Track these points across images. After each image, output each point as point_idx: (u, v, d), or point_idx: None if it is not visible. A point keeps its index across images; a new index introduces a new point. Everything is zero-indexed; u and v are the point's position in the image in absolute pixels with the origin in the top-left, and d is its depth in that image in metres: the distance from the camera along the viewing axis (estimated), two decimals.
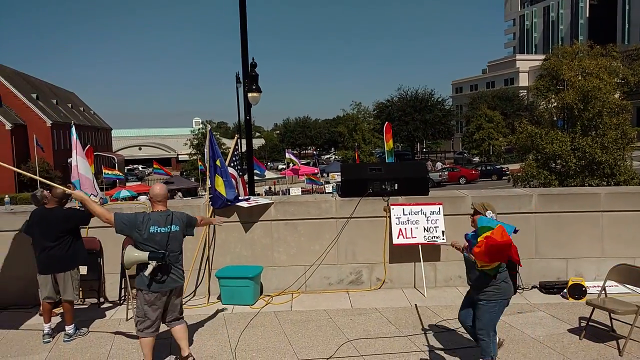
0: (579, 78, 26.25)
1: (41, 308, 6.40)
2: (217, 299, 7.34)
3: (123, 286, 7.23)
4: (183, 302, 5.47)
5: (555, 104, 28.39)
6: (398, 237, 7.46)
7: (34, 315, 6.94)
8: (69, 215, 6.08)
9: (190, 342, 5.89)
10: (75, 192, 5.89)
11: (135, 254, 4.93)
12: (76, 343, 5.99)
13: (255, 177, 14.17)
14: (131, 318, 6.46)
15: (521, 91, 72.92)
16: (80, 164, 7.84)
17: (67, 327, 6.10)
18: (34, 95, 50.47)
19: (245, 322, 6.50)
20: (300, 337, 6.02)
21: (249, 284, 7.11)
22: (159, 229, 4.94)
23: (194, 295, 7.52)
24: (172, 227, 5.02)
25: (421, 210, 7.54)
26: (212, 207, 7.54)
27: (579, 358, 5.26)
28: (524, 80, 79.18)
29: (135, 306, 5.29)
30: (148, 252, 4.87)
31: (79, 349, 5.84)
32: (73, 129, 8.10)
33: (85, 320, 6.58)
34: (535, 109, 35.34)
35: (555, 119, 29.02)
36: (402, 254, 7.61)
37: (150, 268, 4.84)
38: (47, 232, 5.95)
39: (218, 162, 7.52)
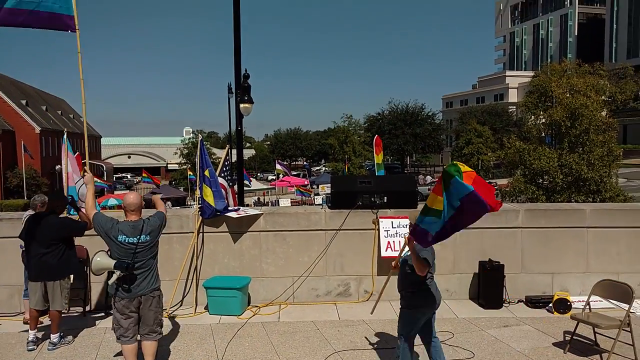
0: (567, 95, 26.66)
1: (27, 314, 6.37)
2: (205, 309, 7.31)
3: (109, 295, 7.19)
4: (165, 314, 5.42)
5: (543, 121, 28.79)
6: (386, 250, 7.50)
7: (17, 323, 6.87)
8: (63, 224, 6.06)
9: (177, 352, 5.88)
10: (88, 175, 5.86)
11: (102, 260, 4.99)
12: (60, 352, 5.93)
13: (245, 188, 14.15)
14: None
15: (510, 107, 73.65)
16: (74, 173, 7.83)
17: (52, 336, 6.04)
18: (23, 102, 50.11)
19: (233, 332, 6.48)
20: (287, 347, 6.01)
21: (236, 295, 7.09)
22: (127, 239, 4.94)
23: (181, 305, 7.49)
24: (142, 237, 4.97)
25: (410, 223, 7.57)
26: (201, 217, 7.54)
27: None
28: (513, 96, 80.00)
29: None
30: (115, 261, 4.91)
31: (63, 357, 5.78)
32: (65, 136, 8.07)
33: (71, 328, 6.52)
34: (524, 125, 35.77)
35: (543, 135, 29.40)
36: (390, 266, 7.63)
37: (114, 277, 4.89)
38: (40, 238, 5.93)
39: (207, 173, 7.53)
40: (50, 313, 6.06)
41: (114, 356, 5.77)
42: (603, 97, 29.18)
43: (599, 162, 24.70)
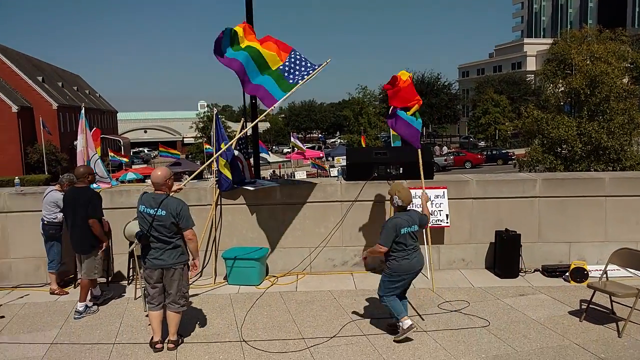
0: (587, 63, 26.03)
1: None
2: (224, 279, 7.46)
3: (131, 266, 7.36)
4: (189, 285, 5.53)
5: (562, 89, 28.20)
6: None
7: (44, 293, 7.09)
8: (88, 202, 6.16)
9: (198, 320, 6.04)
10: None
11: (130, 227, 5.48)
12: (86, 320, 6.13)
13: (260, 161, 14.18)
14: (139, 297, 6.61)
15: (528, 75, 72.26)
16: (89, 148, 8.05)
17: (78, 304, 6.24)
18: (40, 78, 50.45)
19: (251, 301, 6.63)
20: (305, 316, 6.14)
21: (254, 265, 7.22)
22: (146, 209, 5.12)
23: (200, 276, 7.65)
24: (159, 211, 5.06)
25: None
26: (218, 190, 7.63)
27: (578, 339, 5.36)
28: (531, 65, 78.38)
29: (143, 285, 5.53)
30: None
31: (89, 325, 5.98)
32: (83, 112, 8.17)
33: (94, 298, 6.71)
34: (542, 94, 35.08)
35: (562, 103, 28.84)
36: None
37: (133, 245, 5.19)
38: (74, 212, 6.18)
39: (223, 145, 7.58)
40: (81, 280, 6.34)
41: (138, 324, 5.96)
42: (625, 63, 28.39)
43: (619, 130, 24.26)
